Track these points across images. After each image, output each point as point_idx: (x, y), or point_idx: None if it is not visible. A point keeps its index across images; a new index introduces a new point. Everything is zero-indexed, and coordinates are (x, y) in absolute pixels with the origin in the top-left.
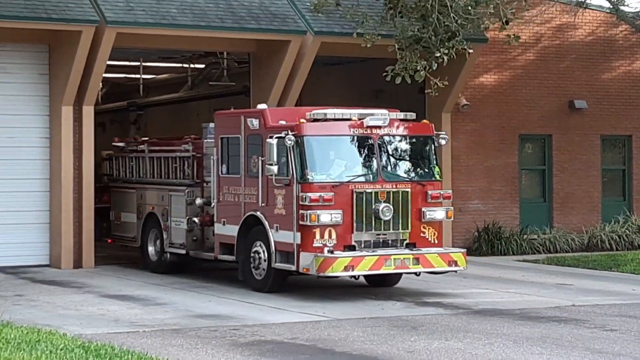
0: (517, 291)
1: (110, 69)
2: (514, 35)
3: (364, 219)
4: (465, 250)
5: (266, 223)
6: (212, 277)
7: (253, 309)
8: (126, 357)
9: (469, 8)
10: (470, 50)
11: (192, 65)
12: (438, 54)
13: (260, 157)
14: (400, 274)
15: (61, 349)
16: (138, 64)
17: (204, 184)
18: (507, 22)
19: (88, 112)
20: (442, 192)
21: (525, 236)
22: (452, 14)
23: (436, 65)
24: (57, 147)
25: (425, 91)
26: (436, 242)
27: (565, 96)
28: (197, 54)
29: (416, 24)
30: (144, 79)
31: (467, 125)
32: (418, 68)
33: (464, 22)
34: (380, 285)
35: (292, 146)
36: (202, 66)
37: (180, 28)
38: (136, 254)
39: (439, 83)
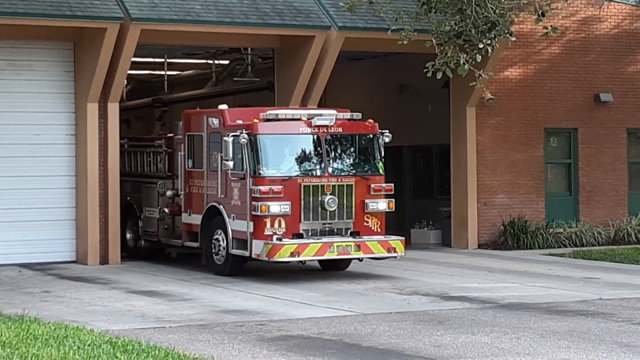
0: (543, 285)
1: (135, 65)
2: (551, 26)
3: (311, 210)
4: (403, 238)
5: (225, 213)
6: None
7: (279, 304)
8: (153, 353)
9: None
10: (513, 39)
11: (216, 62)
12: (481, 45)
13: (219, 153)
14: (350, 260)
15: (89, 345)
16: (162, 60)
17: (175, 177)
18: (543, 14)
19: (113, 108)
20: (384, 185)
21: (551, 230)
22: (489, 5)
23: (480, 57)
24: (82, 144)
25: (470, 84)
26: (379, 230)
27: (591, 89)
28: (222, 50)
29: (453, 18)
30: (168, 75)
31: (492, 120)
32: (461, 62)
33: (502, 12)
34: (331, 269)
35: (246, 143)
36: (227, 62)
37: (205, 24)
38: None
39: (483, 74)
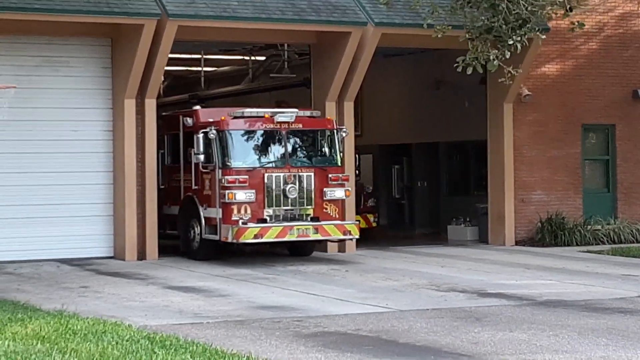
0: (581, 282)
1: (171, 62)
2: (578, 22)
3: (274, 198)
4: (358, 222)
5: (197, 202)
6: (275, 269)
7: (316, 300)
8: (191, 348)
9: None
10: (543, 37)
11: (253, 58)
12: (511, 42)
13: (192, 149)
14: (313, 246)
15: (127, 340)
16: (199, 56)
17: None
18: (571, 9)
19: (150, 104)
20: (341, 175)
21: (588, 227)
22: (521, 2)
23: (509, 53)
24: (120, 140)
25: (499, 80)
26: (337, 216)
27: (629, 85)
28: (258, 46)
29: (486, 14)
30: (205, 71)
31: (529, 116)
32: (491, 57)
33: (533, 9)
34: (297, 255)
35: (215, 138)
36: (263, 58)
37: (241, 20)
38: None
39: (512, 71)
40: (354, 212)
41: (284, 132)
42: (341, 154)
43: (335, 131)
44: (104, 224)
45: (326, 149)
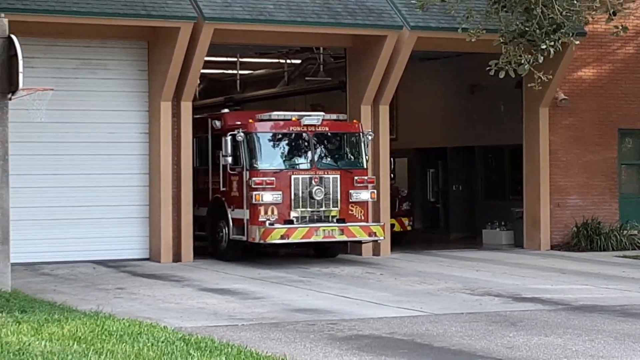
0: (617, 287)
1: (207, 64)
2: (622, 26)
3: (300, 199)
4: (383, 224)
5: (225, 204)
6: (309, 272)
7: (351, 303)
8: (226, 350)
9: (574, 0)
10: (577, 42)
11: (288, 61)
12: (544, 46)
13: (221, 151)
14: (339, 248)
15: (162, 342)
16: (235, 59)
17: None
18: (614, 13)
19: (186, 107)
20: (366, 178)
21: (625, 232)
22: (556, 6)
23: (542, 58)
24: (156, 142)
25: (528, 85)
26: (363, 218)
27: None
28: (294, 50)
29: (520, 18)
30: (240, 74)
31: (565, 120)
32: (522, 62)
33: (568, 14)
34: (324, 256)
35: (242, 141)
36: (299, 61)
37: (277, 24)
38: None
39: (542, 77)
40: (389, 215)
41: (310, 135)
42: (367, 156)
43: (361, 134)
44: (139, 225)
45: (352, 152)
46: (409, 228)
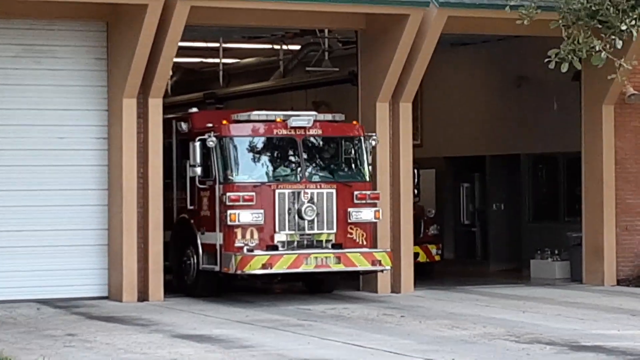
0: None
1: (182, 52)
2: None
3: (287, 220)
4: (390, 250)
5: (194, 226)
6: (311, 313)
7: (363, 353)
8: None
9: None
10: None
11: (284, 47)
12: (624, 27)
13: (188, 160)
14: (336, 280)
15: None
16: (217, 45)
17: None
18: None
19: (155, 105)
20: (369, 193)
21: None
22: None
23: (621, 42)
24: (117, 150)
25: (609, 77)
26: (365, 243)
27: None
28: (291, 33)
29: None
30: (224, 64)
31: (635, 121)
32: (597, 48)
33: None
34: (317, 292)
35: (215, 148)
36: (297, 47)
37: (270, 0)
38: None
39: (624, 64)
40: (411, 241)
41: (299, 140)
42: (369, 166)
43: (362, 139)
44: (96, 255)
45: (351, 161)
46: (437, 258)
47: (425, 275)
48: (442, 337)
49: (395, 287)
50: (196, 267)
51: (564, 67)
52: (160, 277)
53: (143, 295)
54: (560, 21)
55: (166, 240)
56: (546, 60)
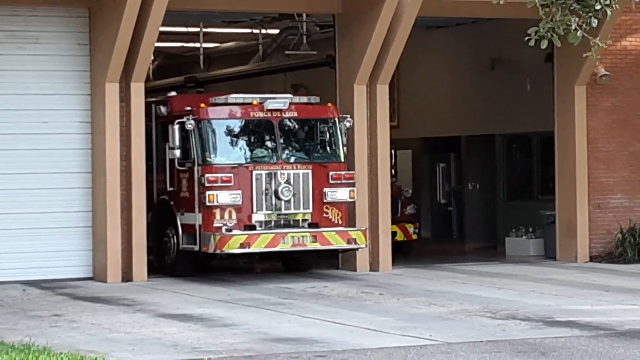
0: None
1: (163, 37)
2: None
3: (264, 200)
4: (365, 228)
5: (173, 207)
6: (292, 292)
7: (343, 330)
8: None
9: None
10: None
11: (263, 31)
12: (598, 7)
13: (167, 143)
14: (312, 259)
15: None
16: (197, 30)
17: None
18: None
19: (137, 89)
20: (344, 173)
21: None
22: None
23: (596, 21)
24: (100, 134)
25: (584, 54)
26: (341, 222)
27: None
28: (270, 17)
29: None
30: (204, 48)
31: (607, 101)
32: (573, 27)
33: None
34: (295, 270)
35: (193, 130)
36: (276, 32)
37: None
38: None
39: (599, 43)
40: (389, 221)
41: (275, 122)
42: (345, 147)
43: (337, 120)
44: (80, 237)
45: (327, 142)
46: (414, 237)
47: (403, 253)
48: (419, 314)
49: (374, 266)
50: (176, 247)
51: (544, 44)
52: (144, 258)
53: (127, 276)
54: (537, 1)
55: (147, 221)
56: (526, 38)
